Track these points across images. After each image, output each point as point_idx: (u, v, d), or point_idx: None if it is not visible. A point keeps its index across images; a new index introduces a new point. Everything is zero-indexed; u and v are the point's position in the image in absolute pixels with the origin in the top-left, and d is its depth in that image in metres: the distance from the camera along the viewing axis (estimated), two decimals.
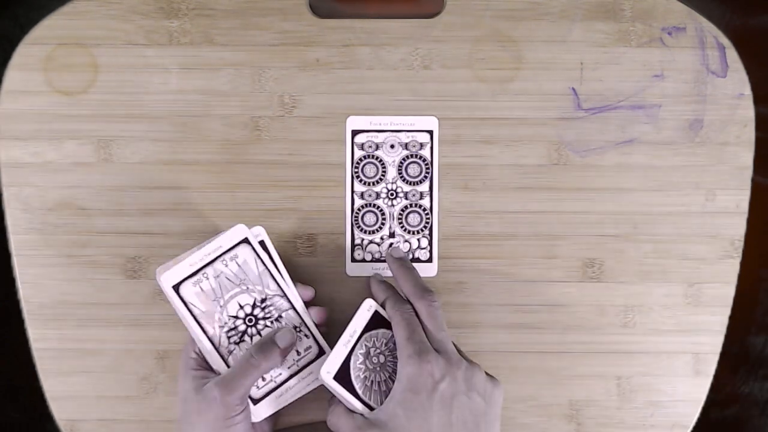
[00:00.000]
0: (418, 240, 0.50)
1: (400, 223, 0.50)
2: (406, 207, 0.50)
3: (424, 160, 0.50)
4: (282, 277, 0.46)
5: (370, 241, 0.49)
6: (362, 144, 0.49)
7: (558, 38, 0.50)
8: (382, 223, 0.49)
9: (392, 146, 0.49)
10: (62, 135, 0.49)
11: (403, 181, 0.50)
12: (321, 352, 0.46)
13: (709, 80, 0.50)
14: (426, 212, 0.50)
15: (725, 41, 0.50)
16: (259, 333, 0.45)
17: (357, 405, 0.43)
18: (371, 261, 0.50)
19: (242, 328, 0.44)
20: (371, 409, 0.43)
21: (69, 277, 0.49)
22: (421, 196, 0.50)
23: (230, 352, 0.44)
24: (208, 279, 0.44)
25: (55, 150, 0.49)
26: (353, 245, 0.50)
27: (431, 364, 0.41)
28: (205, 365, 0.44)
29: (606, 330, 0.50)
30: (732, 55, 0.50)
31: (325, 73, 0.50)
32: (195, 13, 0.49)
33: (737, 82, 0.50)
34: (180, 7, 0.49)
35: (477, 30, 0.50)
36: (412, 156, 0.50)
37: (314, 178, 0.50)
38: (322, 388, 0.45)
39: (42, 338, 0.49)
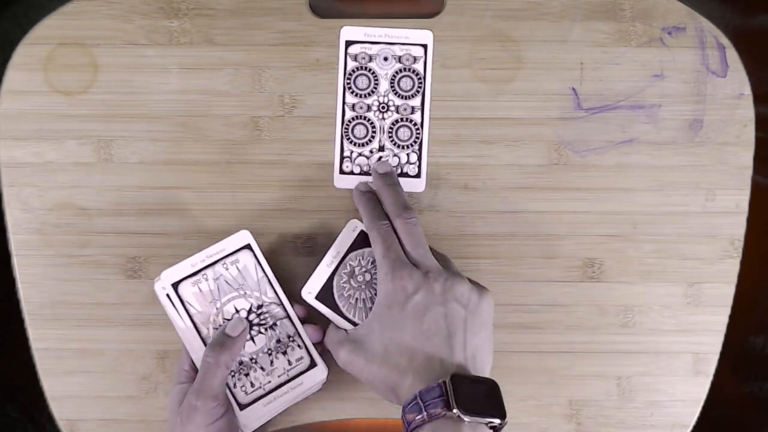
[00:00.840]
0: (407, 155, 0.49)
1: (390, 137, 0.49)
2: (396, 121, 0.49)
3: (417, 75, 0.49)
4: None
5: (359, 154, 0.49)
6: (355, 55, 0.49)
7: (558, 38, 0.50)
8: (372, 136, 0.49)
9: (386, 59, 0.49)
10: (62, 135, 0.49)
11: (395, 94, 0.49)
12: (312, 364, 0.46)
13: (709, 80, 0.50)
14: (416, 127, 0.49)
15: (725, 41, 0.50)
16: (252, 339, 0.45)
17: (342, 322, 0.44)
18: (359, 174, 0.49)
19: None
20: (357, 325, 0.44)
21: (69, 277, 0.49)
22: (413, 111, 0.49)
23: None
24: (207, 280, 0.44)
25: (55, 150, 0.49)
26: (342, 157, 0.49)
27: (404, 280, 0.41)
28: (194, 377, 0.44)
29: (606, 330, 0.50)
30: (732, 55, 0.50)
31: (325, 73, 0.50)
32: (195, 13, 0.49)
33: (737, 82, 0.50)
34: (180, 7, 0.49)
35: (477, 30, 0.50)
36: (405, 70, 0.49)
37: (314, 177, 0.50)
38: (315, 395, 0.45)
39: (42, 338, 0.49)
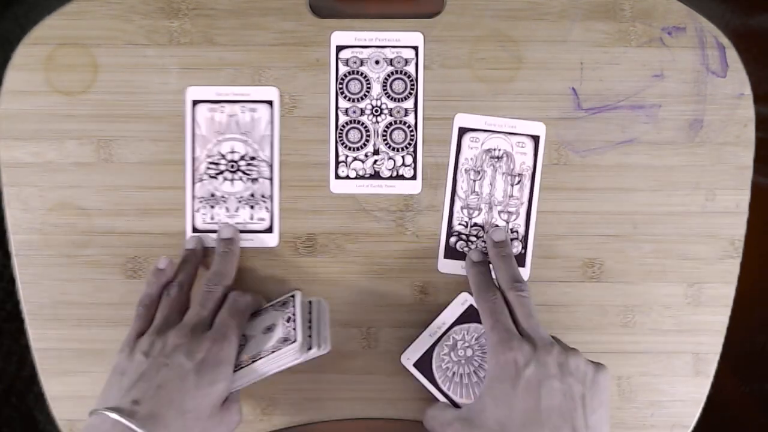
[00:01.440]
0: (403, 157, 0.49)
1: (384, 140, 0.49)
2: (390, 124, 0.49)
3: (409, 77, 0.49)
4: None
5: (354, 158, 0.49)
6: (347, 60, 0.49)
7: (558, 38, 0.50)
8: (367, 140, 0.49)
9: (377, 62, 0.49)
10: (62, 135, 0.49)
11: (388, 97, 0.49)
12: (269, 230, 0.49)
13: (709, 80, 0.50)
14: (411, 129, 0.49)
15: (725, 41, 0.50)
16: (232, 181, 0.48)
17: (437, 394, 0.44)
18: (355, 178, 0.50)
19: (222, 168, 0.48)
20: (451, 400, 0.44)
21: (69, 277, 0.49)
22: (406, 113, 0.49)
23: (200, 180, 0.48)
24: (222, 113, 0.48)
25: (55, 150, 0.49)
26: (337, 162, 0.49)
27: (514, 351, 0.40)
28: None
29: (606, 330, 0.50)
30: (732, 55, 0.50)
31: (325, 73, 0.50)
32: (195, 13, 0.49)
33: (737, 82, 0.50)
34: (180, 7, 0.49)
35: (477, 30, 0.50)
36: (396, 72, 0.49)
37: (314, 177, 0.50)
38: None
39: (42, 338, 0.49)
